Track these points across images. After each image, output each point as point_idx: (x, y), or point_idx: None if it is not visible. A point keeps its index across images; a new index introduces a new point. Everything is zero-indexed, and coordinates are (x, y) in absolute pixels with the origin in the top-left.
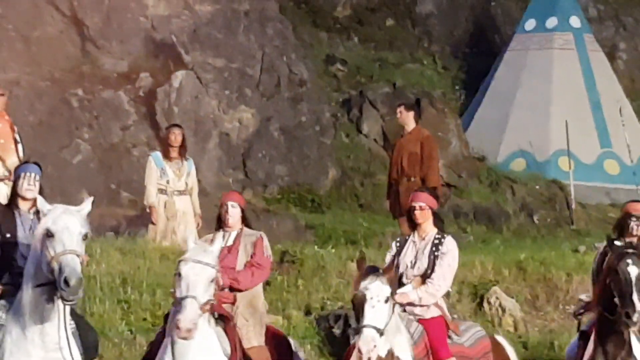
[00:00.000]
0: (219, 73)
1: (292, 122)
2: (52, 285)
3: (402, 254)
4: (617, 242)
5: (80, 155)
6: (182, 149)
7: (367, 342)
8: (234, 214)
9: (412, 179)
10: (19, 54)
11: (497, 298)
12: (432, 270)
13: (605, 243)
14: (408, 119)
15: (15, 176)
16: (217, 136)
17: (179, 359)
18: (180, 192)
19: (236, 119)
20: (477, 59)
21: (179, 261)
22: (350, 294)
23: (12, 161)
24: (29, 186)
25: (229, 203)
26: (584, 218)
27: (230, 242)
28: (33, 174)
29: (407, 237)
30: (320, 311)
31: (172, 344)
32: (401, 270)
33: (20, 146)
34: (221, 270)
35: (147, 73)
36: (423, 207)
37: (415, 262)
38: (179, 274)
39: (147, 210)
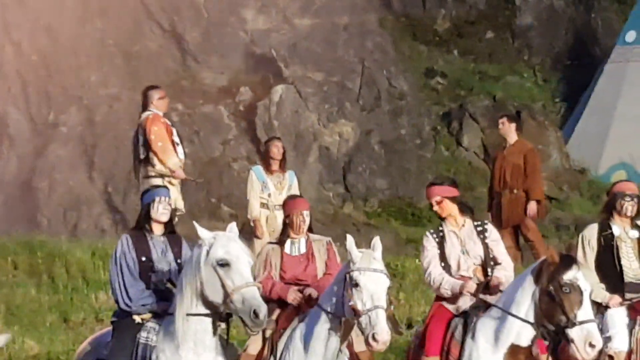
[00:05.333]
0: (318, 87)
1: (392, 135)
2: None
3: (448, 246)
4: None
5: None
6: (283, 161)
7: (599, 339)
8: (307, 221)
9: (515, 191)
10: (120, 69)
11: None
12: (491, 257)
13: None
14: (510, 130)
15: (148, 200)
16: (317, 150)
17: None
18: (282, 207)
19: (336, 132)
20: (578, 71)
21: (350, 271)
22: (542, 284)
23: (174, 162)
24: (164, 210)
25: (305, 212)
26: None
27: (303, 250)
28: (166, 198)
29: (440, 230)
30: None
31: None
32: (455, 260)
33: (180, 148)
34: (309, 280)
35: (247, 87)
36: (440, 201)
37: (463, 252)
38: (356, 285)
39: (252, 224)
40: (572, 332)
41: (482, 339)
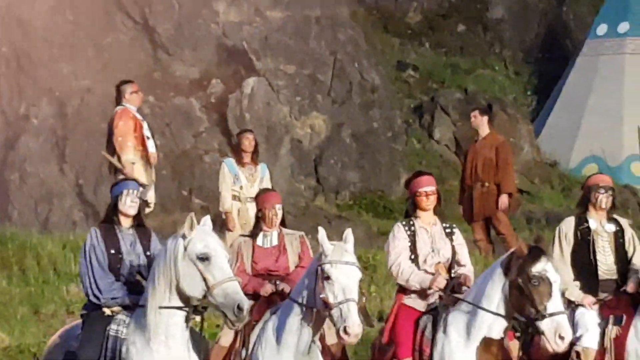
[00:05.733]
0: (290, 79)
1: (363, 128)
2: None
3: (419, 241)
4: None
5: None
6: (255, 154)
7: (569, 330)
8: (280, 215)
9: (487, 184)
10: (91, 61)
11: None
12: (455, 260)
13: None
14: (482, 123)
15: (116, 193)
16: (289, 143)
17: None
18: (253, 199)
19: (308, 125)
20: (549, 65)
21: (322, 264)
22: (512, 277)
23: (126, 158)
24: (132, 203)
25: (277, 206)
26: None
27: (275, 242)
28: (135, 191)
29: (411, 224)
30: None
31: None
32: (422, 256)
33: (151, 141)
34: (280, 272)
35: (219, 80)
36: (433, 192)
37: (433, 250)
38: (328, 277)
39: (223, 216)
40: (542, 325)
41: (454, 333)
